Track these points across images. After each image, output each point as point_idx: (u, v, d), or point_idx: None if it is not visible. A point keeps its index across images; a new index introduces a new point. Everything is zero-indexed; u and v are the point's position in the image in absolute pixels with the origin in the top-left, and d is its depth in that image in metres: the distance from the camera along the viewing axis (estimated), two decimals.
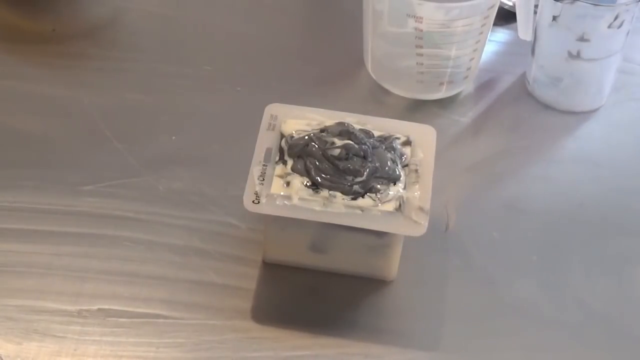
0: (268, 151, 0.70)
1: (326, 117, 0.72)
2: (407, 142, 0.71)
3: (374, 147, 0.70)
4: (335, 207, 0.67)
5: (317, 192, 0.68)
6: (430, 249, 0.74)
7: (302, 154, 0.69)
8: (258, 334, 0.69)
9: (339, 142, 0.69)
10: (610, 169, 0.82)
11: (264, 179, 0.68)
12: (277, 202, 0.67)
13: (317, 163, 0.68)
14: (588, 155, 0.83)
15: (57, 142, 0.81)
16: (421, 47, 0.82)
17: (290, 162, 0.69)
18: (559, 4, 0.80)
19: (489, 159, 0.82)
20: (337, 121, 0.71)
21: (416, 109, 0.85)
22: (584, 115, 0.86)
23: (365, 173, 0.68)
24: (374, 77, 0.87)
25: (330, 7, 0.97)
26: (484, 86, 0.88)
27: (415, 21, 0.79)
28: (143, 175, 0.78)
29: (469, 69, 0.85)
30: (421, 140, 0.72)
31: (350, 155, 0.68)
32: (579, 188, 0.80)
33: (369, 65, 0.87)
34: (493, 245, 0.76)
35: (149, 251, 0.73)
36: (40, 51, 0.89)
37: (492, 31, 0.85)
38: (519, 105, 0.87)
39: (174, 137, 0.82)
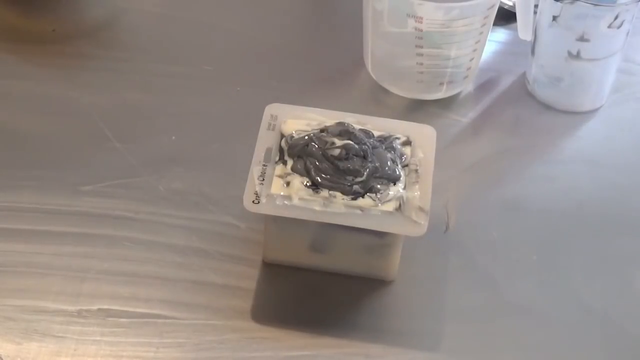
0: (268, 151, 0.70)
1: (326, 117, 0.72)
2: (407, 142, 0.72)
3: (374, 147, 0.70)
4: (335, 207, 0.67)
5: (317, 192, 0.68)
6: (430, 249, 0.74)
7: (302, 154, 0.69)
8: (258, 334, 0.69)
9: (339, 142, 0.69)
10: (611, 168, 0.82)
11: (264, 179, 0.68)
12: (277, 202, 0.67)
13: (317, 163, 0.68)
14: (588, 155, 0.83)
15: (57, 142, 0.81)
16: (421, 47, 0.82)
17: (290, 162, 0.69)
18: (559, 4, 0.80)
19: (489, 159, 0.82)
20: (337, 121, 0.71)
21: (416, 109, 0.85)
22: (584, 115, 0.86)
23: (365, 173, 0.68)
24: (374, 77, 0.87)
25: (330, 7, 0.97)
26: (484, 86, 0.88)
27: (415, 21, 0.80)
28: (143, 175, 0.78)
29: (469, 69, 0.85)
30: (421, 140, 0.72)
31: (350, 155, 0.68)
32: (579, 188, 0.80)
33: (369, 65, 0.87)
34: (493, 245, 0.76)
35: (149, 251, 0.73)
36: (40, 51, 0.89)
37: (492, 31, 0.85)
38: (519, 105, 0.87)
39: (174, 137, 0.82)
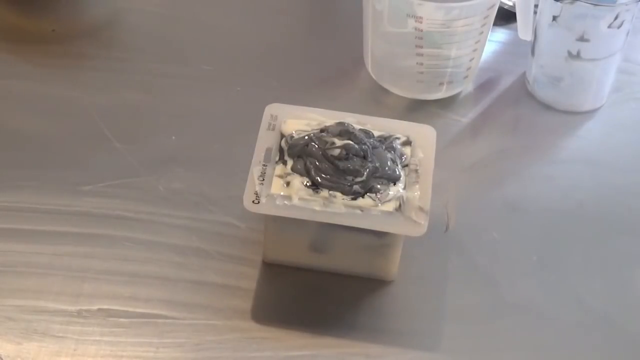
0: (268, 151, 0.70)
1: (326, 117, 0.72)
2: (407, 142, 0.72)
3: (374, 147, 0.70)
4: (335, 207, 0.67)
5: (317, 192, 0.68)
6: (430, 249, 0.74)
7: (302, 154, 0.69)
8: (258, 334, 0.69)
9: (339, 142, 0.69)
10: (610, 168, 0.82)
11: (264, 179, 0.68)
12: (277, 202, 0.67)
13: (317, 163, 0.68)
14: (588, 155, 0.83)
15: (57, 142, 0.81)
16: (421, 47, 0.82)
17: (290, 162, 0.69)
18: (559, 4, 0.80)
19: (489, 159, 0.82)
20: (337, 121, 0.71)
21: (416, 109, 0.85)
22: (584, 115, 0.86)
23: (365, 173, 0.68)
24: (374, 77, 0.87)
25: (330, 7, 0.97)
26: (484, 86, 0.88)
27: (415, 21, 0.80)
28: (143, 175, 0.78)
29: (469, 69, 0.85)
30: (421, 140, 0.72)
31: (350, 155, 0.68)
32: (579, 188, 0.80)
33: (369, 65, 0.87)
34: (493, 245, 0.76)
35: (149, 251, 0.73)
36: (40, 51, 0.89)
37: (492, 31, 0.85)
38: (519, 105, 0.87)
39: (174, 137, 0.82)
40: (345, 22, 0.93)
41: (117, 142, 0.81)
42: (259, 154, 0.69)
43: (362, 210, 0.67)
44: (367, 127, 0.72)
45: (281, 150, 0.70)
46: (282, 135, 0.71)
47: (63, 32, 0.91)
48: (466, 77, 0.86)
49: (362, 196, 0.68)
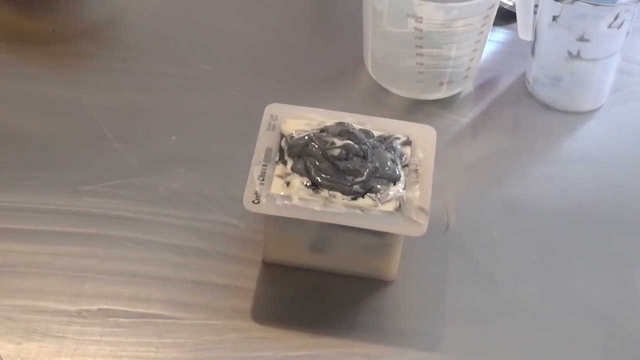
0: (268, 151, 0.70)
1: (326, 117, 0.72)
2: (407, 142, 0.72)
3: (374, 147, 0.70)
4: (335, 207, 0.67)
5: (317, 192, 0.68)
6: (430, 249, 0.74)
7: (302, 154, 0.69)
8: (258, 334, 0.69)
9: (339, 142, 0.69)
10: (610, 168, 0.82)
11: (264, 179, 0.68)
12: (277, 202, 0.67)
13: (317, 163, 0.68)
14: (588, 155, 0.83)
15: (57, 142, 0.81)
16: (421, 47, 0.82)
17: (290, 162, 0.69)
18: (559, 4, 0.80)
19: (489, 159, 0.82)
20: (337, 121, 0.71)
21: (416, 109, 0.85)
22: (584, 115, 0.86)
23: (365, 173, 0.68)
24: (374, 77, 0.87)
25: (330, 7, 0.97)
26: (484, 86, 0.88)
27: (415, 21, 0.80)
28: (143, 175, 0.78)
29: (469, 69, 0.85)
30: (421, 140, 0.72)
31: (350, 155, 0.68)
32: (579, 188, 0.80)
33: (369, 65, 0.87)
34: (493, 245, 0.76)
35: (149, 251, 0.73)
36: (40, 51, 0.89)
37: (492, 31, 0.85)
38: (519, 105, 0.87)
39: (174, 137, 0.82)
40: (345, 22, 0.93)
41: (117, 142, 0.81)
42: (259, 154, 0.69)
43: (362, 210, 0.67)
44: (367, 127, 0.72)
45: (281, 150, 0.70)
46: (282, 135, 0.71)
47: (63, 32, 0.91)
48: (466, 77, 0.86)
49: (362, 196, 0.68)
